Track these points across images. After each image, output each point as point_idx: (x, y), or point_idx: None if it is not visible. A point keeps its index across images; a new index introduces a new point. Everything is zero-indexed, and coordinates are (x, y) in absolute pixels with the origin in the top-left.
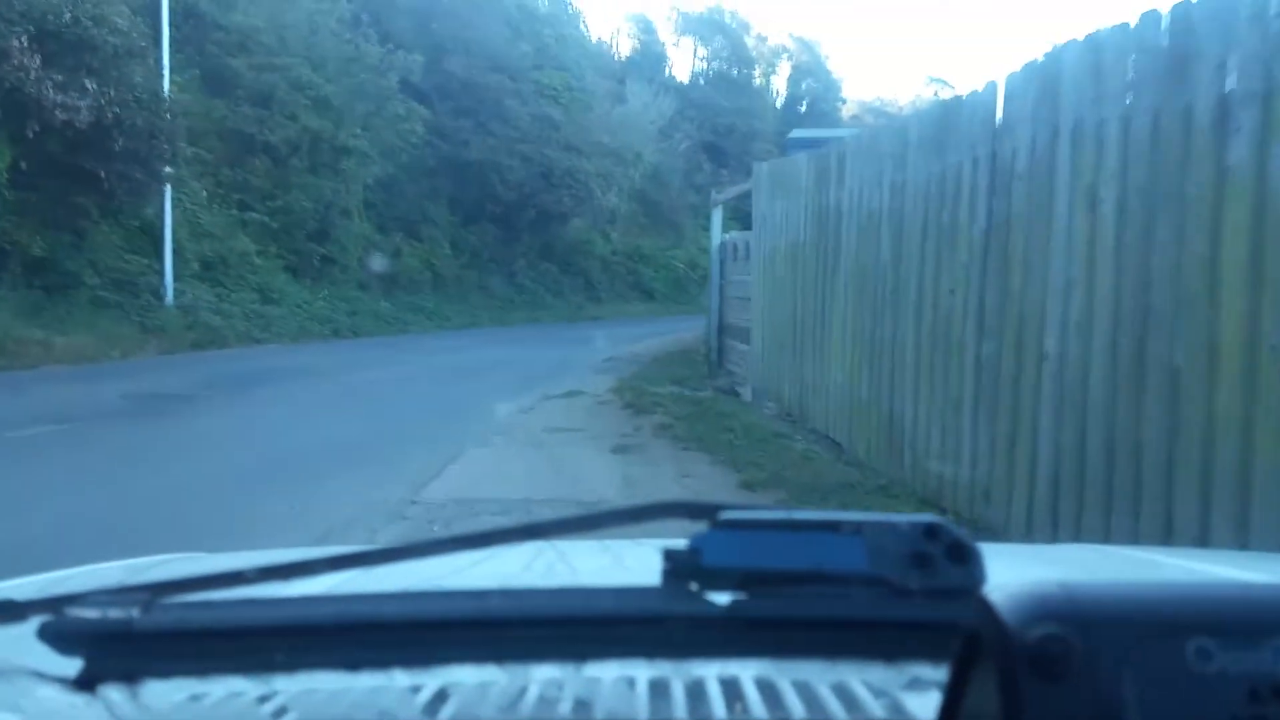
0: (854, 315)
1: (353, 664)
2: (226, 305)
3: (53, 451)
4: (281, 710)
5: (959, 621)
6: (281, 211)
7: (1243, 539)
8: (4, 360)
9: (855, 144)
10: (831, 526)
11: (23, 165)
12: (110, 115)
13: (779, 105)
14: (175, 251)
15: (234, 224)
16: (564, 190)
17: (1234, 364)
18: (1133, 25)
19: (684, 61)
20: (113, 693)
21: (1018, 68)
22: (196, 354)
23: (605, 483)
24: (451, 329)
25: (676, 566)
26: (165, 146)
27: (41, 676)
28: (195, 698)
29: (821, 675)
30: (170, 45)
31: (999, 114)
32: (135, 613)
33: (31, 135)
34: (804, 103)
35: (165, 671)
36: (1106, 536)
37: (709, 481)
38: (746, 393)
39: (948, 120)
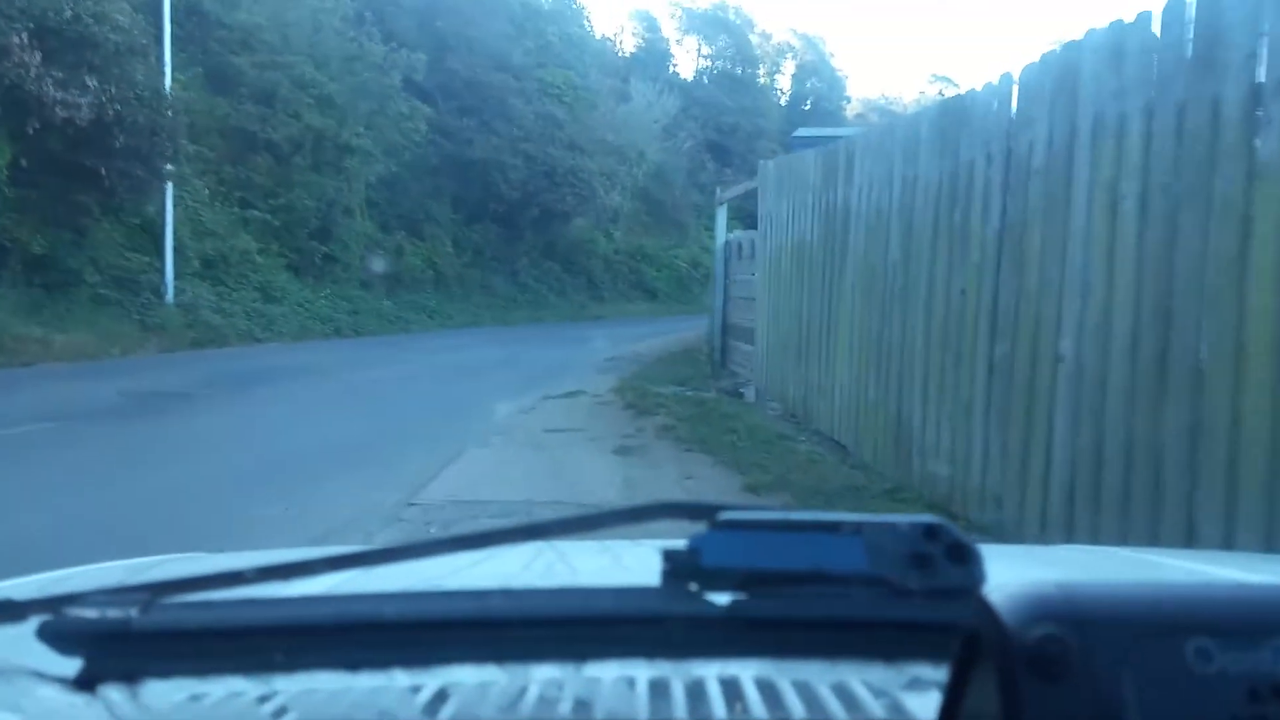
0: (861, 316)
1: (352, 664)
2: (227, 304)
3: (45, 450)
4: (281, 710)
5: (958, 622)
6: (283, 210)
7: (1271, 545)
8: (2, 358)
9: (864, 140)
10: (831, 527)
11: (23, 162)
12: (111, 112)
13: (783, 104)
14: (176, 249)
15: (236, 222)
16: (567, 189)
17: (1262, 366)
18: (1156, 14)
19: (688, 59)
20: (112, 692)
21: (1033, 60)
22: (197, 352)
23: (606, 485)
24: (453, 328)
25: (676, 567)
26: (167, 144)
27: (41, 676)
28: (195, 698)
29: (821, 675)
30: (173, 43)
31: (1014, 108)
32: (135, 612)
33: (32, 132)
34: (808, 101)
35: (165, 671)
36: (1124, 543)
37: (712, 484)
38: (750, 393)
39: (960, 115)
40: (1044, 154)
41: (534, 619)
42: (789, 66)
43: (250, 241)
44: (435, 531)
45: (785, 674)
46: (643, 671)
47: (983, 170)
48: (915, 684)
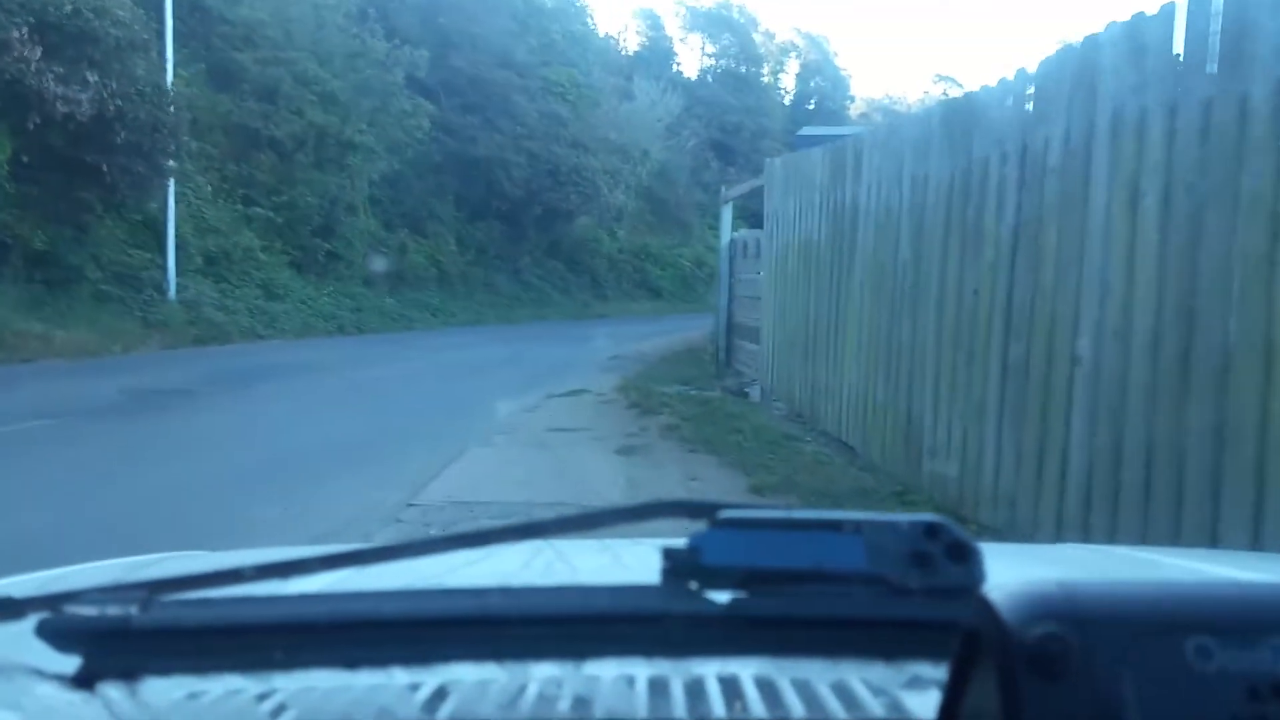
0: (870, 315)
1: (351, 662)
2: (230, 301)
3: (45, 447)
4: (280, 708)
5: (959, 620)
6: (286, 207)
7: None
8: (3, 354)
9: (873, 137)
10: (831, 525)
11: (24, 158)
12: (112, 108)
13: (787, 103)
14: (179, 246)
15: (238, 219)
16: (570, 187)
17: None
18: (1180, 5)
19: (692, 58)
20: (111, 690)
21: (1049, 54)
22: (199, 349)
23: (609, 485)
24: (457, 326)
25: (676, 565)
26: (168, 140)
27: (40, 674)
28: (193, 695)
29: (821, 674)
30: (175, 39)
31: (1030, 104)
32: (134, 610)
33: (32, 128)
34: (812, 101)
35: (164, 669)
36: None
37: (717, 485)
38: (755, 393)
39: (973, 112)
40: (1061, 150)
41: (533, 617)
42: (793, 66)
43: (253, 238)
44: (435, 533)
45: (785, 672)
46: (642, 670)
47: (997, 167)
48: (915, 682)
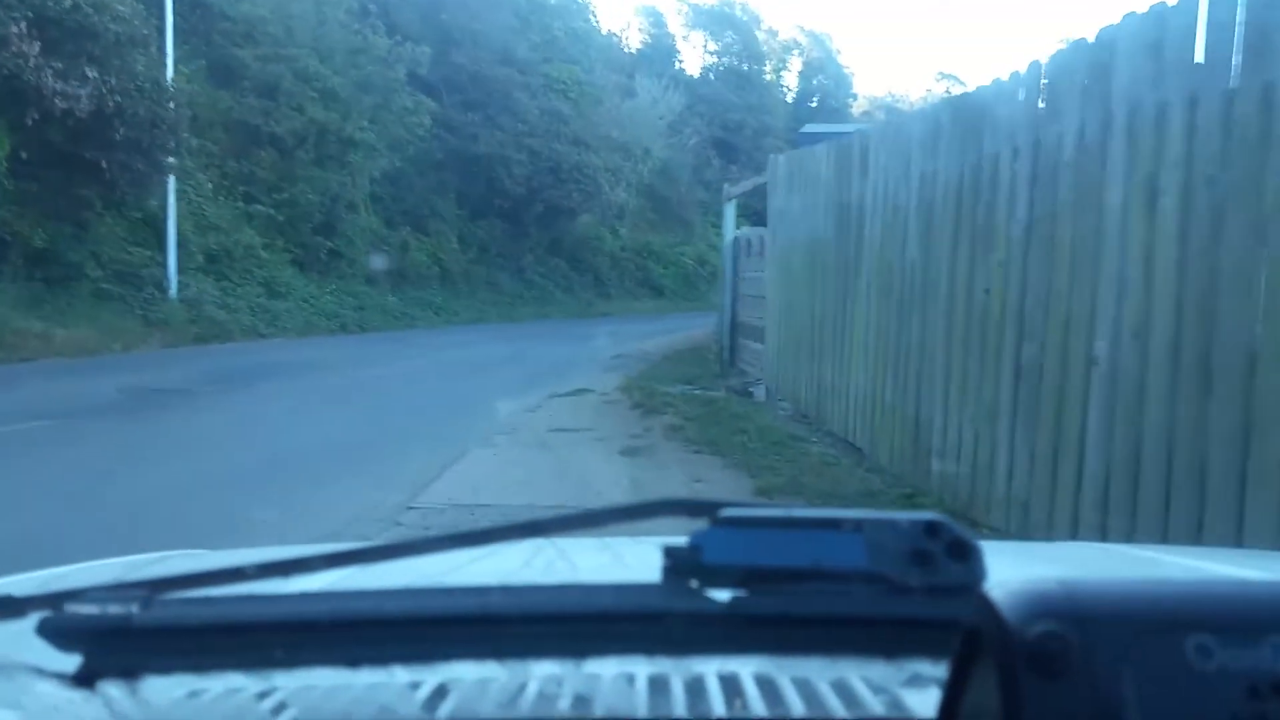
0: (878, 315)
1: (352, 660)
2: (231, 299)
3: (41, 448)
4: (280, 706)
5: (959, 618)
6: (287, 204)
7: None
8: (2, 353)
9: (880, 134)
10: (832, 524)
11: (23, 155)
12: (111, 104)
13: (789, 101)
14: (179, 244)
15: (239, 216)
16: (572, 185)
17: None
18: None
19: (694, 56)
20: (112, 689)
21: (1062, 47)
22: (200, 348)
23: (613, 487)
24: (459, 324)
25: (677, 563)
26: (168, 137)
27: (40, 672)
28: (194, 694)
29: (821, 672)
30: (175, 35)
31: (1042, 98)
32: (134, 609)
33: (31, 124)
34: (815, 98)
35: (164, 667)
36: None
37: (722, 487)
38: (760, 393)
39: (983, 107)
40: (1075, 146)
41: (534, 615)
42: (795, 63)
43: (254, 236)
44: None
45: (785, 670)
46: (642, 668)
47: (1008, 163)
48: (915, 681)
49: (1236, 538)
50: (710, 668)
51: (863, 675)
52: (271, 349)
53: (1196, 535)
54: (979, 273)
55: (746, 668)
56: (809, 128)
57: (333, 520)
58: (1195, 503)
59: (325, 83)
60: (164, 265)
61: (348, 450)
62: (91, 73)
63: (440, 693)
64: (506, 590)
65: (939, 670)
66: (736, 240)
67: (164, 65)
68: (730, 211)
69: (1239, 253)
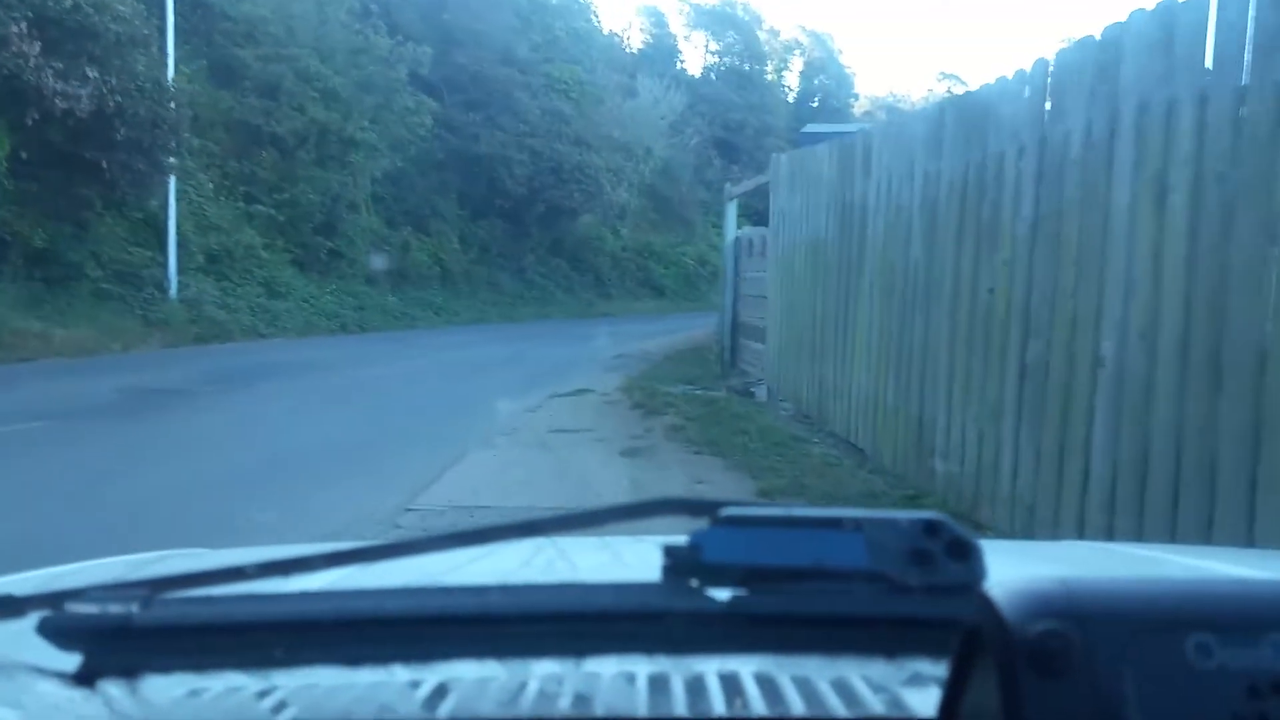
0: (881, 315)
1: (352, 659)
2: (232, 299)
3: (40, 448)
4: (281, 705)
5: (959, 618)
6: (288, 204)
7: None
8: (1, 353)
9: (883, 133)
10: (832, 523)
11: (23, 154)
12: (112, 104)
13: (791, 101)
14: (180, 244)
15: (240, 216)
16: (573, 185)
17: None
18: None
19: (695, 56)
20: (112, 688)
21: (1068, 45)
22: (200, 348)
23: (613, 488)
24: (460, 324)
25: (677, 563)
26: (169, 137)
27: (41, 672)
28: (194, 693)
29: (821, 671)
30: (176, 35)
31: (1048, 95)
32: (135, 608)
33: (31, 124)
34: (816, 98)
35: (165, 667)
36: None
37: (724, 488)
38: (761, 393)
39: (988, 104)
40: (1082, 143)
41: (534, 614)
42: (797, 63)
43: (255, 236)
44: None
45: (785, 669)
46: (642, 667)
47: (1013, 162)
48: (915, 680)
49: (1247, 538)
50: (710, 667)
51: (863, 674)
52: (271, 349)
53: (1206, 536)
54: (983, 272)
55: (747, 667)
56: (810, 127)
57: (331, 523)
58: (1204, 503)
59: (326, 83)
60: (164, 265)
61: (347, 451)
62: (92, 73)
63: (440, 692)
64: (506, 589)
65: (939, 669)
66: (738, 240)
67: (165, 65)
68: (731, 211)
69: (1249, 250)
